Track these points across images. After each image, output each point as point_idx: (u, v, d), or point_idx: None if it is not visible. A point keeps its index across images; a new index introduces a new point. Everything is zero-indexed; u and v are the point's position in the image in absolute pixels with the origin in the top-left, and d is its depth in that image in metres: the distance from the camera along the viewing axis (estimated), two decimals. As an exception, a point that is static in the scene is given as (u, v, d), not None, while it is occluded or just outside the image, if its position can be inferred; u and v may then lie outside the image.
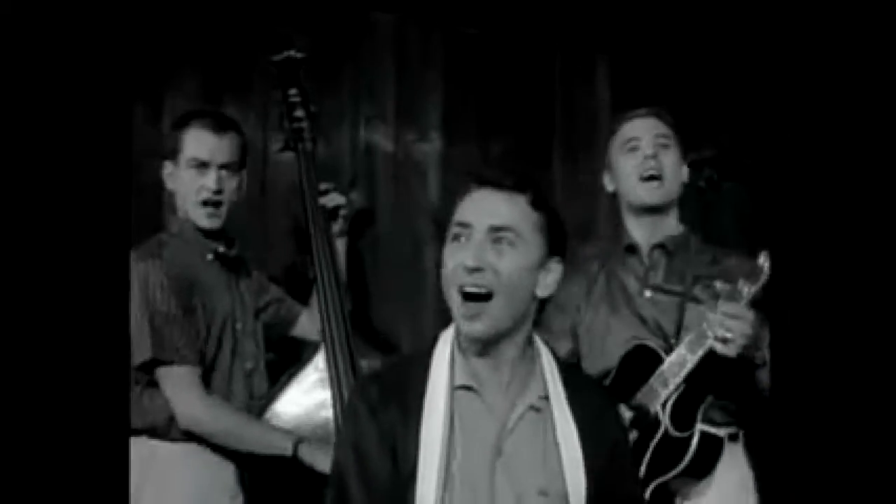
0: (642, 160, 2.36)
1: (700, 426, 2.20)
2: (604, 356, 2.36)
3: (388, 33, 3.05)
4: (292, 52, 2.60)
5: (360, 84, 3.01)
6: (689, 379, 2.21)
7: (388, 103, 3.05)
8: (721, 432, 2.24)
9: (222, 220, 2.43)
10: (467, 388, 1.68)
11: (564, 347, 2.44)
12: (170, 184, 2.45)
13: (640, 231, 2.42)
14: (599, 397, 1.84)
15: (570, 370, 1.81)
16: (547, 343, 1.79)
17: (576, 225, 3.06)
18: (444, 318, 1.75)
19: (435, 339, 1.75)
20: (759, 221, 2.81)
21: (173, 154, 2.42)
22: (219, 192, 2.39)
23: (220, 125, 2.44)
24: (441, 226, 2.97)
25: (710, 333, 2.15)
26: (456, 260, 1.65)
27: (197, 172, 2.39)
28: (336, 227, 2.62)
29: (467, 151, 3.09)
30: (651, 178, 2.36)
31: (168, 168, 2.44)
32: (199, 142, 2.39)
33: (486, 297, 1.63)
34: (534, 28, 3.11)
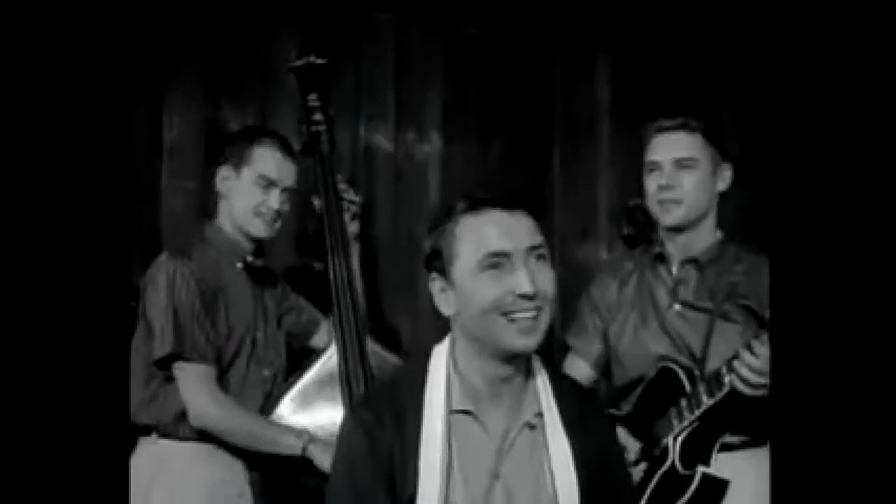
0: (659, 188, 2.30)
1: (702, 469, 2.16)
2: (631, 368, 2.33)
3: (388, 33, 3.05)
4: (312, 58, 2.61)
5: (361, 84, 3.01)
6: (704, 417, 2.16)
7: (389, 103, 3.05)
8: (725, 475, 2.17)
9: (272, 233, 2.47)
10: (464, 412, 1.66)
11: (597, 349, 2.43)
12: (223, 188, 2.44)
13: (671, 242, 2.36)
14: (591, 410, 1.80)
15: (562, 383, 1.77)
16: (541, 360, 1.76)
17: (575, 225, 3.07)
18: (441, 319, 1.74)
19: (427, 356, 1.73)
20: (763, 223, 2.81)
21: (237, 163, 2.42)
22: (279, 212, 2.44)
23: (289, 149, 2.48)
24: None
25: (727, 378, 2.09)
26: (499, 290, 1.60)
27: (262, 190, 2.42)
28: (352, 228, 2.63)
29: (467, 151, 3.09)
30: (668, 201, 2.30)
31: (225, 173, 2.44)
32: (270, 160, 2.42)
33: (535, 318, 1.61)
34: (534, 28, 3.11)
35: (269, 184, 2.41)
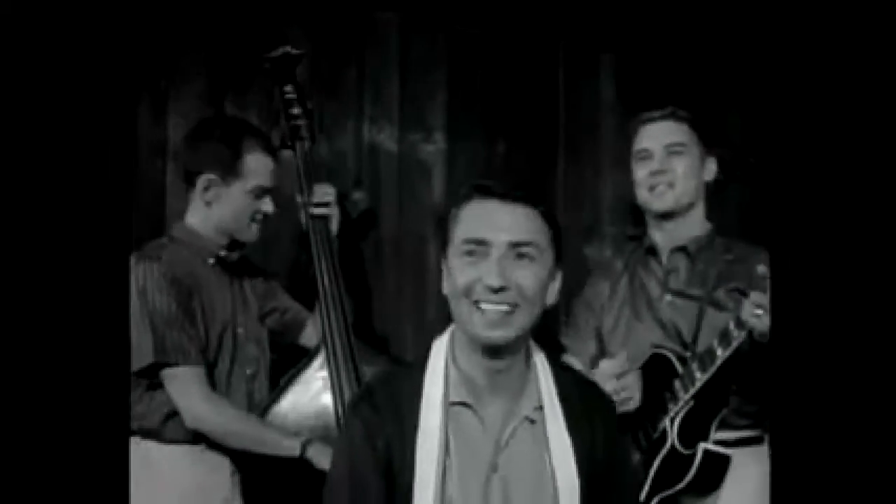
0: (651, 173, 2.35)
1: (704, 445, 2.17)
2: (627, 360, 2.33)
3: (392, 33, 3.05)
4: (288, 49, 2.57)
5: (364, 84, 3.01)
6: (699, 395, 2.18)
7: (393, 103, 3.05)
8: (728, 450, 2.20)
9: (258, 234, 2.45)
10: (462, 404, 1.66)
11: (591, 347, 2.44)
12: (208, 196, 2.36)
13: (660, 234, 2.39)
14: (594, 403, 1.77)
15: (566, 376, 1.76)
16: (544, 353, 1.77)
17: (580, 225, 3.07)
18: (448, 319, 1.74)
19: (428, 349, 1.73)
20: (763, 220, 2.81)
21: (225, 174, 2.33)
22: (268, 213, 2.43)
23: (271, 148, 2.43)
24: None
25: (719, 351, 2.10)
26: (471, 276, 1.61)
27: (256, 198, 2.38)
28: (333, 225, 2.58)
29: (472, 151, 3.08)
30: (659, 185, 2.34)
31: (211, 179, 2.34)
32: (263, 169, 2.37)
33: (508, 312, 1.61)
34: (538, 28, 3.10)
35: (263, 192, 2.38)
